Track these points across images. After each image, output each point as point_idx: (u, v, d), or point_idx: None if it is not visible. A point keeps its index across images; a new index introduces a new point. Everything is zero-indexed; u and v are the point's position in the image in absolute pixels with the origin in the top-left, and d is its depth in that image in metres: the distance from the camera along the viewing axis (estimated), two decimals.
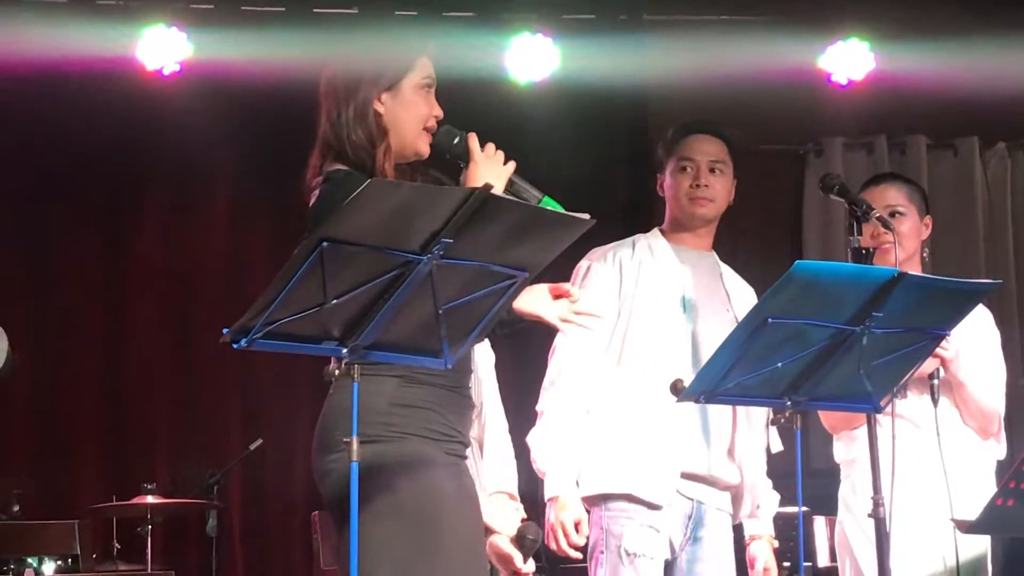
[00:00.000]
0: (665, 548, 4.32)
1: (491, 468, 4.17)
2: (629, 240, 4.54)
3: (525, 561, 3.85)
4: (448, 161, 3.53)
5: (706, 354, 4.32)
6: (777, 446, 4.57)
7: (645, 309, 4.40)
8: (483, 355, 4.20)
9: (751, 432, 4.45)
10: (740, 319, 4.39)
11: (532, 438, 4.36)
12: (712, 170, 4.50)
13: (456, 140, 3.51)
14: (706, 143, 4.54)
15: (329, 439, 3.36)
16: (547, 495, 4.32)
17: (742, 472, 4.42)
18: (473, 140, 3.49)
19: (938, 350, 4.17)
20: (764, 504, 4.53)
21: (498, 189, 3.42)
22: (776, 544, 4.55)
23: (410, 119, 3.51)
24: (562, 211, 3.18)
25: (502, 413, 4.31)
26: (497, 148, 3.48)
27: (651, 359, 4.36)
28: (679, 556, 4.36)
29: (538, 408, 4.41)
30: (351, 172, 3.41)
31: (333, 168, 3.44)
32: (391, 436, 3.33)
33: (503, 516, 4.04)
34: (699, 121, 4.62)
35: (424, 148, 3.53)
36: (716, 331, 4.36)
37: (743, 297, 4.56)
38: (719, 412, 4.35)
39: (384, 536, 3.27)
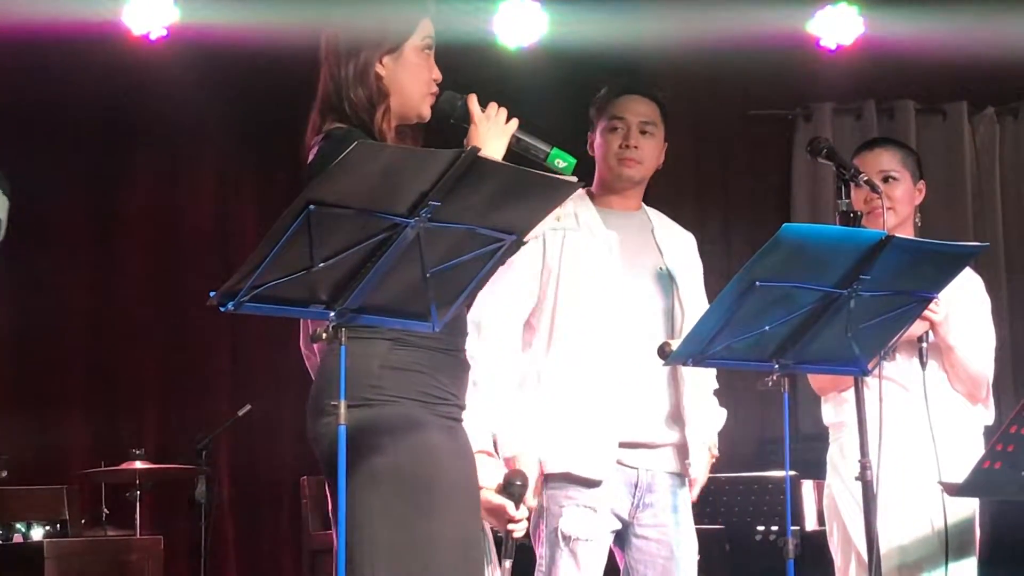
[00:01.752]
0: (607, 526, 4.29)
1: (473, 430, 4.14)
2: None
3: (517, 508, 3.86)
4: (453, 126, 3.52)
5: (639, 316, 4.35)
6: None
7: (571, 281, 4.33)
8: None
9: (699, 385, 4.40)
10: (674, 271, 4.41)
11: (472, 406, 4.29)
12: (643, 131, 4.44)
13: (459, 104, 3.51)
14: (638, 103, 4.47)
15: (320, 403, 3.36)
16: (504, 455, 4.28)
17: (688, 426, 4.37)
18: (472, 102, 3.48)
19: (927, 313, 4.18)
20: (711, 426, 4.49)
21: (500, 148, 3.43)
22: (716, 454, 4.50)
23: (413, 82, 3.50)
24: (549, 175, 3.17)
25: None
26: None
27: (581, 331, 4.30)
28: (631, 525, 4.32)
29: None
30: (351, 130, 3.40)
31: (333, 126, 3.43)
32: (382, 399, 3.32)
33: (485, 472, 4.03)
34: (630, 81, 4.56)
35: (426, 111, 3.51)
36: (648, 291, 4.36)
37: (678, 247, 4.50)
38: (659, 374, 4.30)
39: (379, 499, 3.26)
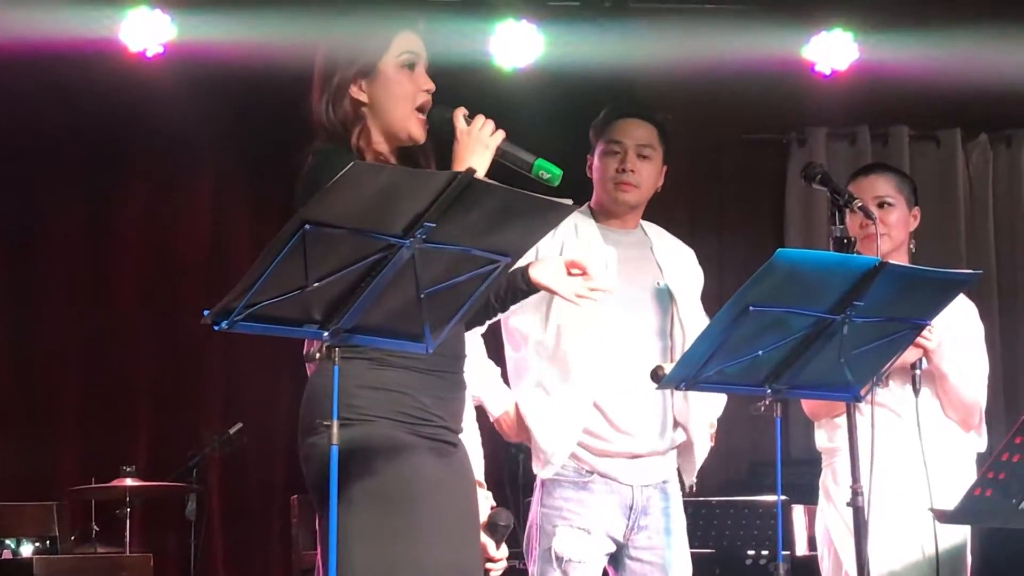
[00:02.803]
0: (601, 549, 4.31)
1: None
2: None
3: (498, 548, 3.85)
4: (448, 142, 3.51)
5: (637, 331, 4.38)
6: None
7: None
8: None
9: (688, 398, 4.41)
10: (674, 288, 4.43)
11: None
12: (640, 155, 4.44)
13: (447, 117, 3.49)
14: (636, 127, 4.47)
15: (306, 422, 3.36)
16: (494, 415, 4.34)
17: (688, 432, 4.39)
18: (457, 117, 3.46)
19: (922, 341, 4.19)
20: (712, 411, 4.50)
21: (484, 162, 3.41)
22: (714, 428, 4.50)
23: (392, 100, 3.48)
24: (545, 197, 3.17)
25: (470, 402, 4.30)
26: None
27: (581, 346, 4.32)
28: (625, 547, 4.34)
29: None
30: (338, 149, 3.40)
31: (319, 145, 3.44)
32: (357, 419, 3.29)
33: None
34: (630, 104, 4.58)
35: (416, 130, 3.49)
36: (647, 307, 4.38)
37: (677, 263, 4.52)
38: (652, 389, 4.29)
39: (356, 521, 3.24)
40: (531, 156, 3.52)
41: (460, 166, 3.36)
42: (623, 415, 4.32)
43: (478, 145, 3.42)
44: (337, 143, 3.43)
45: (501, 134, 3.46)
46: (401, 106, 3.49)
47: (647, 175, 4.45)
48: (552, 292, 3.76)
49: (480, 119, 3.46)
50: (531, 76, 7.78)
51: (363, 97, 3.47)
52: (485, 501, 4.09)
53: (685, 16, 7.81)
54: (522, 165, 3.50)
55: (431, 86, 3.51)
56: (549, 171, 3.51)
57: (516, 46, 7.78)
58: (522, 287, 3.72)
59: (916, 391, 4.37)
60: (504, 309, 3.80)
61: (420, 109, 3.50)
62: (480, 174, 3.30)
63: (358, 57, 3.47)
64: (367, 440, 3.29)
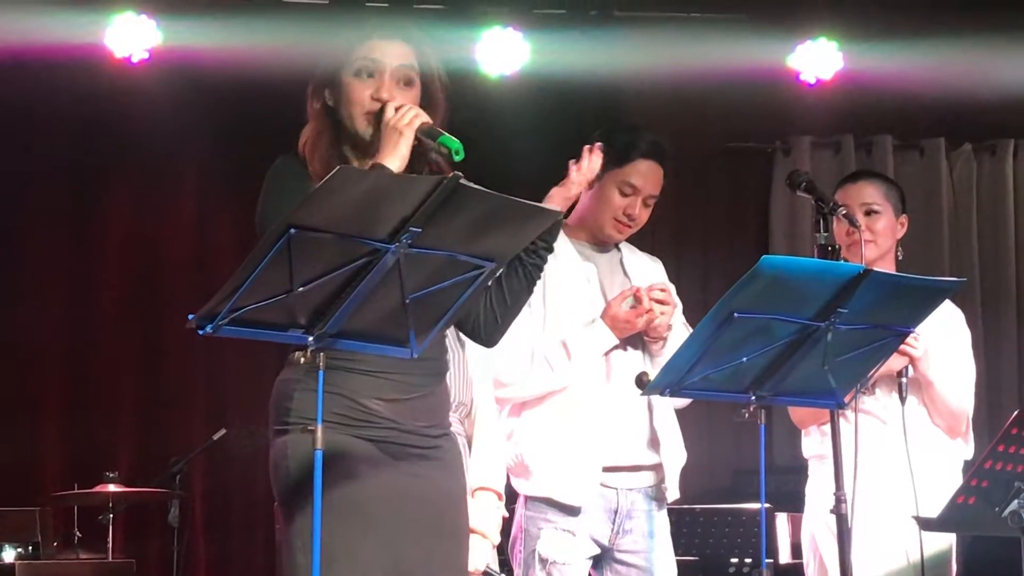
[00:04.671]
0: (585, 551, 4.31)
1: (477, 464, 4.14)
2: None
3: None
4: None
5: (618, 344, 4.37)
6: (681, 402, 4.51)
7: (553, 311, 4.35)
8: (477, 354, 4.18)
9: (667, 408, 4.43)
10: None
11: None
12: (646, 204, 4.46)
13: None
14: (655, 172, 4.46)
15: (270, 429, 3.40)
16: (603, 345, 4.31)
17: (663, 449, 4.39)
18: (387, 109, 3.38)
19: (907, 348, 4.20)
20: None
21: (400, 148, 3.30)
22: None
23: (350, 105, 3.45)
24: (532, 203, 3.17)
25: (495, 411, 4.28)
26: (456, 137, 3.34)
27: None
28: (610, 550, 4.35)
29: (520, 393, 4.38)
30: (287, 159, 3.41)
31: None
32: (295, 423, 3.29)
33: (482, 515, 4.03)
34: (654, 145, 4.50)
35: (363, 133, 3.44)
36: None
37: (647, 276, 4.51)
38: (638, 399, 4.32)
39: (299, 525, 3.25)
40: (442, 131, 3.37)
41: (380, 157, 3.30)
42: (609, 426, 4.32)
43: (392, 132, 3.34)
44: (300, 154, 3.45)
45: (420, 120, 3.35)
46: (355, 109, 3.44)
47: (645, 219, 4.48)
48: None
49: (393, 106, 3.37)
50: (517, 84, 7.79)
51: (320, 105, 3.46)
52: (496, 512, 4.09)
53: (671, 25, 7.82)
54: (429, 144, 3.39)
55: (385, 96, 3.43)
56: (451, 145, 3.33)
57: (502, 54, 7.78)
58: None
59: (903, 399, 4.38)
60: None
61: (367, 115, 3.44)
62: (397, 161, 3.27)
63: (323, 70, 3.49)
64: (303, 445, 3.21)
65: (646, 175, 4.44)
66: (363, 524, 3.27)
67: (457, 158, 3.35)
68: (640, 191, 4.43)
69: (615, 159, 4.40)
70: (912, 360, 4.34)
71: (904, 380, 4.38)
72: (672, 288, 4.46)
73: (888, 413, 4.40)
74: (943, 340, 4.45)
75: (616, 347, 4.35)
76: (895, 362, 4.14)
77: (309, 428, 3.12)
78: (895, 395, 4.40)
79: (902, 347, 3.90)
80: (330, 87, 3.48)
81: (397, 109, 3.36)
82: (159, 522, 7.43)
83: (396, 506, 3.32)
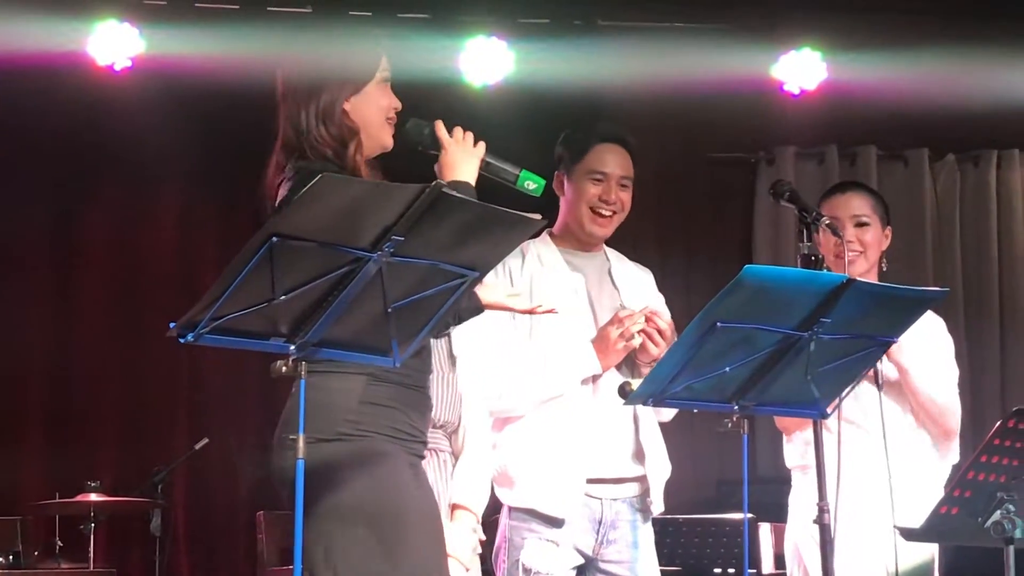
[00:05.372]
0: (568, 562, 4.30)
1: (461, 482, 4.09)
2: (518, 250, 4.35)
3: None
4: (420, 153, 3.51)
5: None
6: (668, 415, 4.51)
7: (541, 323, 4.33)
8: (468, 373, 4.18)
9: (652, 422, 4.43)
10: (635, 309, 4.40)
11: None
12: (621, 185, 4.45)
13: (426, 131, 3.52)
14: (618, 156, 4.45)
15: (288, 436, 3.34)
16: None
17: (648, 462, 4.38)
18: (440, 128, 3.51)
19: None
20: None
21: (472, 171, 3.44)
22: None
23: (375, 113, 3.49)
24: (514, 212, 3.17)
25: (485, 430, 4.25)
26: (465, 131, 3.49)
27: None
28: (594, 560, 4.34)
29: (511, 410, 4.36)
30: (325, 164, 3.38)
31: (302, 163, 3.41)
32: (357, 435, 3.31)
33: (458, 540, 3.98)
34: (610, 128, 4.52)
35: (388, 140, 3.52)
36: None
37: (635, 285, 4.52)
38: (623, 411, 4.31)
39: (347, 537, 3.26)
40: (515, 168, 3.53)
41: (451, 175, 3.41)
42: (594, 438, 4.31)
43: (466, 155, 3.46)
44: (323, 159, 3.41)
45: (483, 145, 3.48)
46: (379, 117, 3.50)
47: (626, 203, 4.47)
48: (504, 308, 3.80)
49: (459, 130, 3.50)
50: (501, 93, 7.79)
51: (349, 109, 3.47)
52: (472, 535, 4.07)
53: (654, 35, 7.83)
54: (507, 176, 3.52)
55: (399, 104, 3.54)
56: (535, 181, 3.53)
57: (486, 63, 7.78)
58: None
59: (879, 386, 4.35)
60: (457, 324, 3.75)
61: (388, 121, 3.53)
62: (472, 183, 3.38)
63: (350, 77, 3.48)
64: (363, 455, 3.30)
65: (609, 157, 4.45)
66: (407, 539, 3.32)
67: (538, 194, 3.55)
68: (609, 175, 4.43)
69: (576, 154, 4.45)
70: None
71: (880, 366, 4.31)
72: (667, 314, 4.46)
73: (870, 422, 4.39)
74: (922, 339, 4.43)
75: None
76: None
77: (378, 440, 3.26)
78: (876, 402, 4.40)
79: None
80: (356, 94, 3.49)
81: (464, 133, 3.49)
82: (141, 531, 7.40)
83: (426, 519, 3.40)
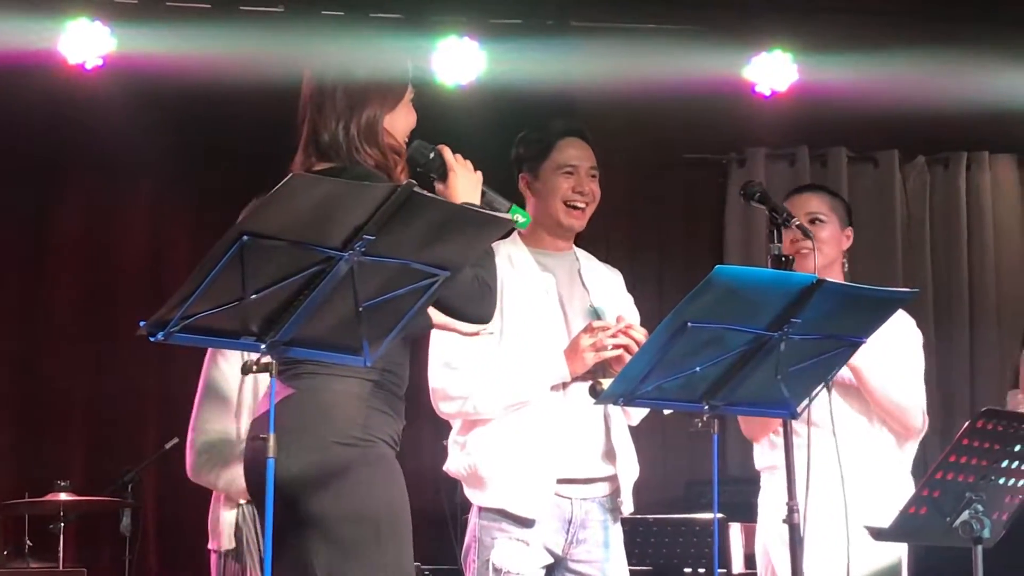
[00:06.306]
0: (538, 561, 4.31)
1: None
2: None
3: None
4: (419, 174, 3.51)
5: None
6: (636, 417, 4.52)
7: (511, 323, 4.34)
8: (435, 370, 4.24)
9: (622, 423, 4.43)
10: (602, 310, 4.43)
11: (488, 403, 4.29)
12: (591, 175, 4.47)
13: (431, 155, 3.54)
14: (583, 148, 4.49)
15: (312, 438, 3.32)
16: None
17: (619, 462, 4.39)
18: (447, 152, 3.53)
19: None
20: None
21: (477, 198, 3.48)
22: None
23: (401, 135, 3.53)
24: (484, 211, 3.18)
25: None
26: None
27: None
28: (564, 560, 4.34)
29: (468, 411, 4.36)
30: (371, 174, 3.37)
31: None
32: (369, 440, 3.35)
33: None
34: (569, 123, 4.56)
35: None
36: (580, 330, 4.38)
37: (604, 285, 4.53)
38: (594, 411, 4.32)
39: (355, 539, 3.29)
40: (507, 201, 3.59)
41: (460, 198, 3.42)
42: (564, 438, 4.32)
43: (473, 181, 3.50)
44: (359, 173, 3.38)
45: (480, 174, 3.52)
46: (405, 135, 3.54)
47: (596, 195, 4.49)
48: (452, 329, 3.87)
49: (460, 157, 3.52)
50: (473, 93, 7.79)
51: (387, 126, 3.49)
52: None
53: (626, 35, 7.85)
54: (500, 207, 3.57)
55: (415, 120, 3.59)
56: (523, 216, 3.65)
57: (458, 63, 7.78)
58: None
59: (828, 387, 4.35)
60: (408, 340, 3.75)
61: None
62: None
63: (391, 92, 3.50)
64: (371, 461, 3.34)
65: (574, 151, 4.48)
66: (405, 540, 3.40)
67: (523, 228, 3.67)
68: (579, 167, 4.46)
69: (540, 152, 4.48)
70: None
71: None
72: (636, 314, 4.47)
73: (825, 421, 4.37)
74: (882, 343, 4.43)
75: None
76: None
77: (383, 446, 3.34)
78: (844, 405, 4.41)
79: None
80: (392, 110, 3.53)
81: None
82: (111, 531, 7.37)
83: (408, 523, 3.44)
